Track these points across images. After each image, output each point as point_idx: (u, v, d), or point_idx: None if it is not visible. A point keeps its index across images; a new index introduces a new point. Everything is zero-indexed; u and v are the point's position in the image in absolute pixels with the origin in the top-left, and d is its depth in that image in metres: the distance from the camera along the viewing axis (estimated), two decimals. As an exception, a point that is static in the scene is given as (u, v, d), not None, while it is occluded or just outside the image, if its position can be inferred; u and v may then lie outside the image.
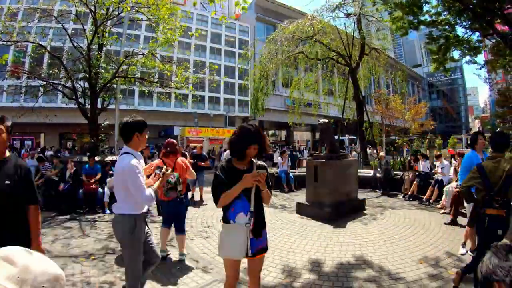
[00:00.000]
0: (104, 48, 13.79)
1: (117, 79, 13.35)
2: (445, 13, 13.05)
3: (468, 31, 13.47)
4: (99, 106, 13.51)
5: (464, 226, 7.75)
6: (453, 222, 8.02)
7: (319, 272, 5.23)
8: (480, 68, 17.01)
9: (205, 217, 9.05)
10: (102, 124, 13.64)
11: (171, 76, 14.90)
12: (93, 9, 12.60)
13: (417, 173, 12.15)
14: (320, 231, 7.55)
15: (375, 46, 18.54)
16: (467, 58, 14.54)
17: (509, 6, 10.43)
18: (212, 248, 6.34)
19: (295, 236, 7.15)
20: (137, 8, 13.32)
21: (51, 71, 13.96)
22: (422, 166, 12.36)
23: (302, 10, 39.13)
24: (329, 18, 17.30)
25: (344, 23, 17.22)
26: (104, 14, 12.92)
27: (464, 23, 13.16)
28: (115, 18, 13.85)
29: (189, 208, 6.48)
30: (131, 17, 14.88)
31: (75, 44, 13.23)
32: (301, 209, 9.50)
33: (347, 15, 17.18)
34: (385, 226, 8.02)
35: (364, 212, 9.64)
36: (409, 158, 15.15)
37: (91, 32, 13.24)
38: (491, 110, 47.26)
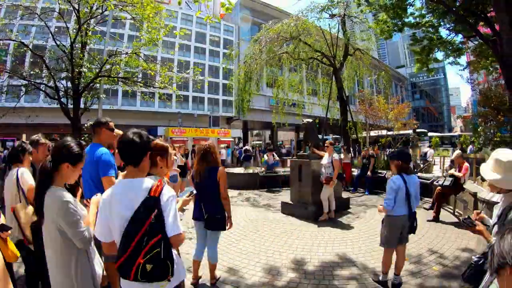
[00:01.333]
0: (87, 47, 13.63)
1: (100, 78, 13.21)
2: (429, 15, 13.26)
3: (451, 33, 13.70)
4: (82, 106, 13.34)
5: (446, 223, 7.90)
6: (436, 219, 8.14)
7: (304, 271, 5.25)
8: (463, 69, 17.28)
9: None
10: (85, 125, 13.49)
11: (155, 75, 14.82)
12: (77, 7, 12.45)
13: None
14: (305, 230, 7.60)
15: (359, 47, 18.67)
16: (450, 59, 14.77)
17: (492, 9, 10.61)
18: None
19: (280, 236, 7.17)
20: (121, 7, 13.20)
21: (33, 71, 13.74)
22: None
23: (287, 11, 39.25)
24: (313, 19, 17.39)
25: (329, 24, 17.50)
26: (87, 12, 12.79)
27: (448, 25, 13.39)
28: (99, 16, 13.72)
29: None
30: (115, 15, 14.72)
31: (58, 43, 13.02)
32: (285, 208, 9.55)
33: (332, 16, 17.29)
34: (369, 224, 8.11)
35: (349, 210, 9.76)
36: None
37: (74, 31, 13.06)
38: (473, 109, 47.98)
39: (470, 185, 8.67)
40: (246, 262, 5.69)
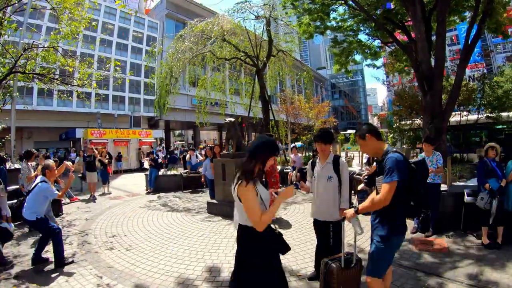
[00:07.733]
0: (1, 39, 12.61)
1: (14, 75, 12.33)
2: (350, 20, 14.09)
3: (370, 38, 14.69)
4: (-7, 106, 12.38)
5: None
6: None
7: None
8: (377, 68, 18.58)
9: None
10: (-2, 127, 12.54)
11: (74, 72, 14.11)
12: (-7, -7, 11.48)
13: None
14: (232, 229, 7.65)
15: (283, 48, 19.13)
16: (368, 61, 15.91)
17: (409, 19, 11.55)
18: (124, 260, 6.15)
19: (209, 236, 7.20)
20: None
21: None
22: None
23: (213, 10, 39.27)
24: (239, 19, 17.54)
25: (254, 25, 17.60)
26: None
27: (367, 31, 14.34)
28: (16, 4, 12.66)
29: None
30: (34, 4, 13.80)
31: (-31, 33, 11.93)
32: (211, 209, 9.61)
33: (257, 17, 17.52)
34: (294, 221, 8.39)
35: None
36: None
37: (-12, 20, 12.04)
38: (388, 108, 51.28)
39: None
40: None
